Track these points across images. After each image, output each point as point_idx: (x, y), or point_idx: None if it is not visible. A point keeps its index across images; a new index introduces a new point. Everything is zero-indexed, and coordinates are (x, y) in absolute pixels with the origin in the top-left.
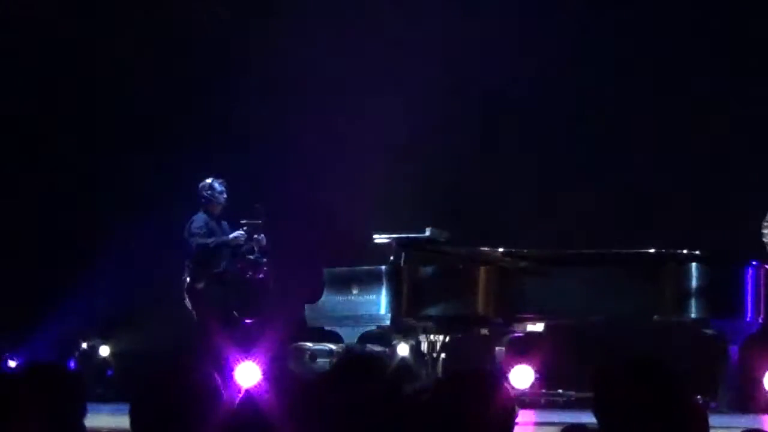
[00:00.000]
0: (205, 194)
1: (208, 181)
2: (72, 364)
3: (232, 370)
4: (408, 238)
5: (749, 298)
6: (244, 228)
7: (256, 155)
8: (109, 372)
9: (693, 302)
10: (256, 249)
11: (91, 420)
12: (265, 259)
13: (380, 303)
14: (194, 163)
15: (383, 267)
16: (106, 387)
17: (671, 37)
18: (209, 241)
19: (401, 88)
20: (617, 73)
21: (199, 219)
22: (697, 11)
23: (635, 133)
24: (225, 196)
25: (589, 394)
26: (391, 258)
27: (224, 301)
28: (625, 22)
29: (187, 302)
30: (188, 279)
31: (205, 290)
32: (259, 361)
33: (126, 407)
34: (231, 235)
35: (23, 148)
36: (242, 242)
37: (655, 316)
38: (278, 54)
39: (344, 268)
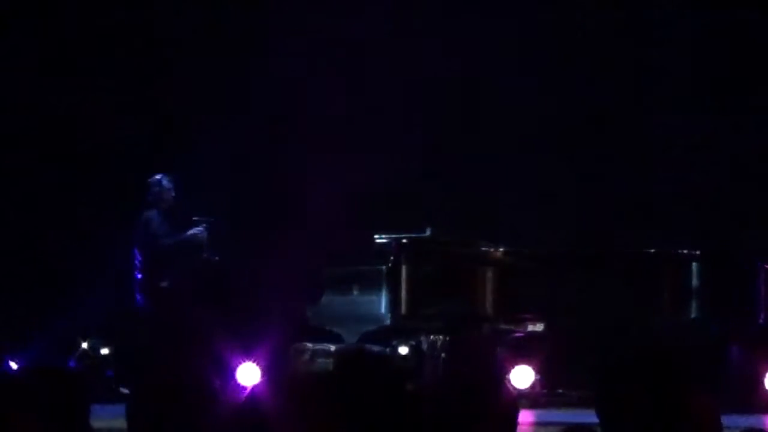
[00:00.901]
0: (154, 191)
1: (157, 177)
2: (72, 364)
3: (233, 369)
4: (408, 238)
5: (750, 298)
6: (204, 225)
7: (256, 155)
8: (109, 372)
9: (693, 302)
10: (204, 245)
11: (90, 420)
12: (216, 258)
13: (381, 303)
14: (195, 163)
15: (383, 267)
16: (106, 387)
17: (672, 37)
18: (172, 241)
19: (401, 86)
20: (617, 73)
21: (155, 217)
22: (694, 14)
23: (635, 133)
24: (173, 193)
25: (590, 394)
26: (392, 258)
27: (190, 297)
28: (626, 20)
29: (145, 301)
30: (146, 277)
31: (169, 288)
32: (258, 362)
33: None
34: (190, 233)
35: (22, 148)
36: (202, 239)
37: (655, 316)
38: (273, 54)
39: (344, 268)
